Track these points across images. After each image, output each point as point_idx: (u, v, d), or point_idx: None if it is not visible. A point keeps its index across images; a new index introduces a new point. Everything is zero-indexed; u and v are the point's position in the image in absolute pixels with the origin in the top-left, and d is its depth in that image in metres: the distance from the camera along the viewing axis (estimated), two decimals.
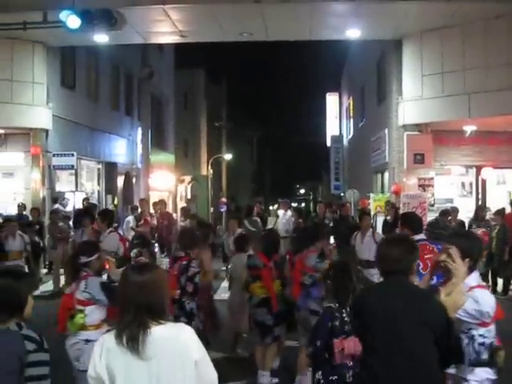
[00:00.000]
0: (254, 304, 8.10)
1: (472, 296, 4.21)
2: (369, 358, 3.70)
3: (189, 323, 7.48)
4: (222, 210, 39.31)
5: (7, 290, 3.78)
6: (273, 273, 8.08)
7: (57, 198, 18.53)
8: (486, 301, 4.27)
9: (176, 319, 6.97)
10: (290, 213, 17.96)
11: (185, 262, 7.59)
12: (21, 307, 3.84)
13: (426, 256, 6.16)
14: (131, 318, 3.19)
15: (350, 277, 5.84)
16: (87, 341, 5.95)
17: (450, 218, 15.01)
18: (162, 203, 18.54)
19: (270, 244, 8.39)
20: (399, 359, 3.67)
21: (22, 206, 16.91)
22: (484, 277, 14.65)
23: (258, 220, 16.63)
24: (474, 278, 4.40)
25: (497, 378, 4.35)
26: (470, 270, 4.37)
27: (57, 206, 17.82)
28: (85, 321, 6.08)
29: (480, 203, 18.77)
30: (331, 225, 15.13)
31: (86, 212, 13.51)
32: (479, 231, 13.43)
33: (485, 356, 4.27)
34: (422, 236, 6.76)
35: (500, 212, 14.84)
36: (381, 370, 3.62)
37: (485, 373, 4.29)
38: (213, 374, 3.42)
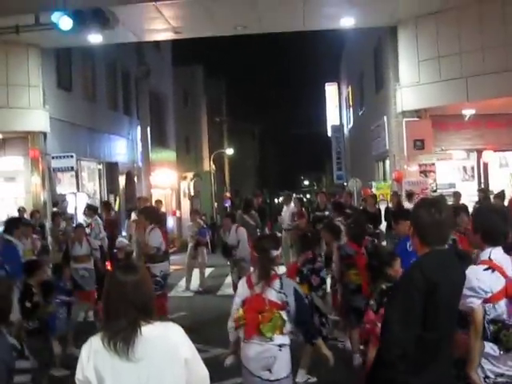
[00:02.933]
0: (349, 291, 8.31)
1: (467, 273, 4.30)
2: (428, 334, 3.64)
3: None
4: (227, 204, 39.38)
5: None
6: (365, 259, 8.24)
7: (57, 201, 18.44)
8: (474, 276, 4.30)
9: None
10: (292, 204, 17.91)
11: (311, 256, 7.96)
12: (8, 312, 3.78)
13: None
14: (128, 321, 3.11)
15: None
16: (281, 346, 5.36)
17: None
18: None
19: (358, 231, 8.73)
20: (452, 327, 3.83)
21: (22, 210, 16.82)
22: None
23: (256, 214, 16.47)
24: (484, 254, 4.46)
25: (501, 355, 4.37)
26: (490, 245, 4.45)
27: (55, 209, 17.72)
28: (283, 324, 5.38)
29: (482, 187, 18.64)
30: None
31: None
32: None
33: (487, 332, 4.35)
34: None
35: (499, 195, 14.69)
36: (442, 343, 3.68)
37: (488, 347, 4.35)
38: (204, 371, 3.38)
